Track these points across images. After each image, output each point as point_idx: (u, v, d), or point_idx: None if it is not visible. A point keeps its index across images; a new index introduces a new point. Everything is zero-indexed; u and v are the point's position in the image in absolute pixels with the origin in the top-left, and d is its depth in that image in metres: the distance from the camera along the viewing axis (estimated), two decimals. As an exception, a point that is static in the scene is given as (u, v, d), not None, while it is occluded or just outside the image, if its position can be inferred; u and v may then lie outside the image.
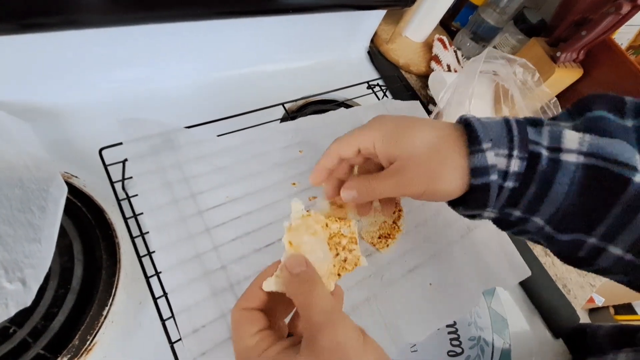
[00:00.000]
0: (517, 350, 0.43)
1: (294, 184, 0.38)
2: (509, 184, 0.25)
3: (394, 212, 0.40)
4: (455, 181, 0.25)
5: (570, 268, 0.54)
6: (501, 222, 0.28)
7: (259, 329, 0.22)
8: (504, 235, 0.44)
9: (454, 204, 0.28)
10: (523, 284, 0.49)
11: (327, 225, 0.27)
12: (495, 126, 0.26)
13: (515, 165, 0.24)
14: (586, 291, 0.52)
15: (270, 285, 0.23)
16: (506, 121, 0.26)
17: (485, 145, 0.24)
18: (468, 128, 0.26)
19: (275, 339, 0.22)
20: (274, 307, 0.24)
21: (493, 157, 0.24)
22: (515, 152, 0.24)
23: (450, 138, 0.26)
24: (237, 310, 0.23)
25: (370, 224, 0.39)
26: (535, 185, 0.24)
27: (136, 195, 0.31)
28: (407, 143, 0.26)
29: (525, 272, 0.42)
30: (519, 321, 0.46)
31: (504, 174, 0.25)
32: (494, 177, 0.24)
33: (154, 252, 0.31)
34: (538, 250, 0.53)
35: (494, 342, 0.42)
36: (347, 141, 0.28)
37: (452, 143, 0.26)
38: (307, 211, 0.26)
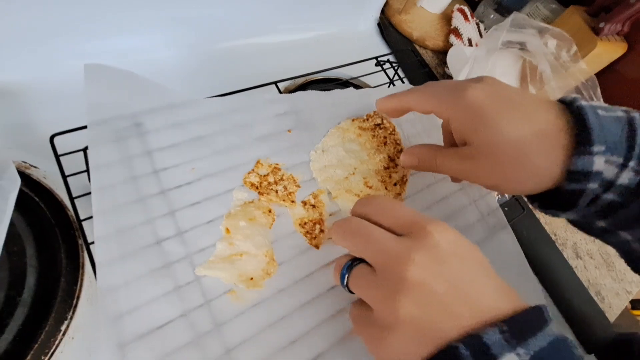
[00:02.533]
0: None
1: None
2: (609, 196, 0.20)
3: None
4: (539, 184, 0.22)
5: (605, 272, 0.48)
6: (576, 224, 0.25)
7: None
8: (522, 259, 0.37)
9: (532, 196, 0.25)
10: (550, 291, 0.43)
11: (270, 210, 0.29)
12: (613, 125, 0.21)
13: (627, 178, 0.20)
14: (622, 299, 0.46)
15: None
16: (630, 121, 0.21)
17: (596, 149, 0.20)
18: (580, 123, 0.21)
19: None
20: None
21: (602, 164, 0.20)
22: (632, 164, 0.20)
23: (549, 136, 0.21)
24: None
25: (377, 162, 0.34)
26: None
27: (89, 193, 0.25)
28: (489, 135, 0.22)
29: None
30: (545, 334, 0.40)
31: (608, 185, 0.20)
32: (593, 185, 0.20)
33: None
34: (568, 252, 0.47)
35: None
36: (423, 101, 0.25)
37: (550, 142, 0.21)
38: (252, 201, 0.29)
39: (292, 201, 0.31)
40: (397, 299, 0.17)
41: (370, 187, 0.33)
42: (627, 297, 0.47)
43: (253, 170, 0.31)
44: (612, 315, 0.44)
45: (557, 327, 0.42)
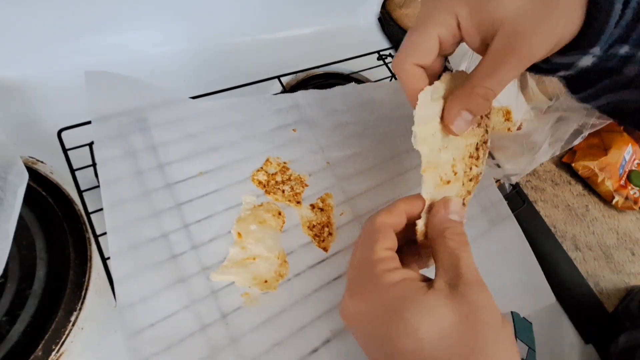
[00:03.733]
0: (543, 358, 0.38)
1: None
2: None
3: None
4: (578, 16, 0.20)
5: (603, 264, 0.48)
6: (590, 72, 0.23)
7: (390, 246, 0.22)
8: (526, 247, 0.38)
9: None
10: (550, 282, 0.44)
11: (279, 213, 0.29)
12: None
13: None
14: (620, 291, 0.47)
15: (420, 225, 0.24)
16: None
17: None
18: None
19: (399, 263, 0.21)
20: (407, 236, 0.24)
21: None
22: None
23: None
24: (377, 220, 0.22)
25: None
26: None
27: (96, 187, 0.26)
28: (503, 4, 0.20)
29: (548, 298, 0.36)
30: (545, 325, 0.41)
31: None
32: None
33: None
34: (568, 244, 0.48)
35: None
36: (422, 38, 0.22)
37: None
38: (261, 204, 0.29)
39: (298, 202, 0.31)
40: None
41: (455, 174, 0.26)
42: (625, 288, 0.47)
43: (262, 168, 0.31)
44: (610, 306, 0.45)
45: (557, 320, 0.43)
